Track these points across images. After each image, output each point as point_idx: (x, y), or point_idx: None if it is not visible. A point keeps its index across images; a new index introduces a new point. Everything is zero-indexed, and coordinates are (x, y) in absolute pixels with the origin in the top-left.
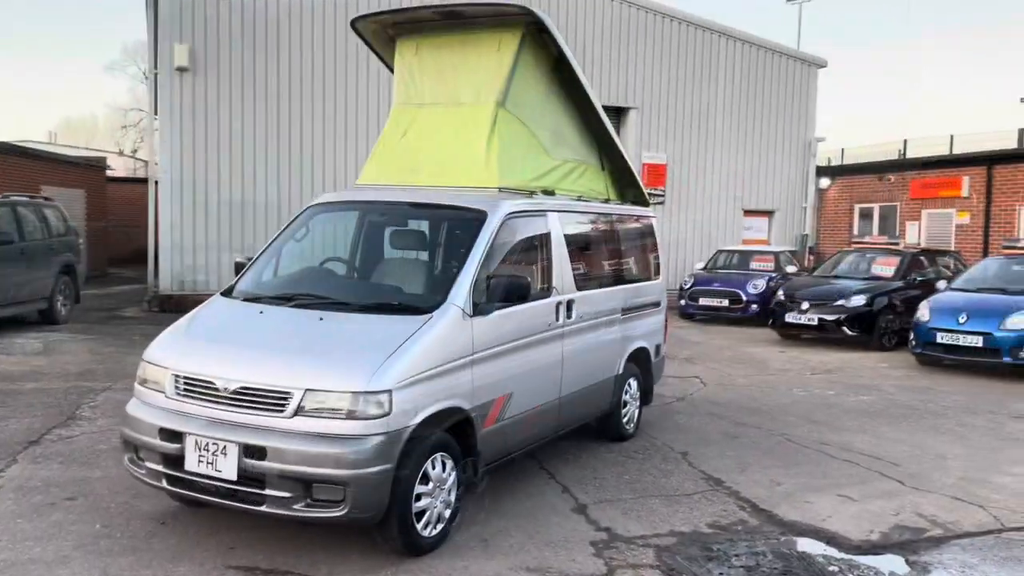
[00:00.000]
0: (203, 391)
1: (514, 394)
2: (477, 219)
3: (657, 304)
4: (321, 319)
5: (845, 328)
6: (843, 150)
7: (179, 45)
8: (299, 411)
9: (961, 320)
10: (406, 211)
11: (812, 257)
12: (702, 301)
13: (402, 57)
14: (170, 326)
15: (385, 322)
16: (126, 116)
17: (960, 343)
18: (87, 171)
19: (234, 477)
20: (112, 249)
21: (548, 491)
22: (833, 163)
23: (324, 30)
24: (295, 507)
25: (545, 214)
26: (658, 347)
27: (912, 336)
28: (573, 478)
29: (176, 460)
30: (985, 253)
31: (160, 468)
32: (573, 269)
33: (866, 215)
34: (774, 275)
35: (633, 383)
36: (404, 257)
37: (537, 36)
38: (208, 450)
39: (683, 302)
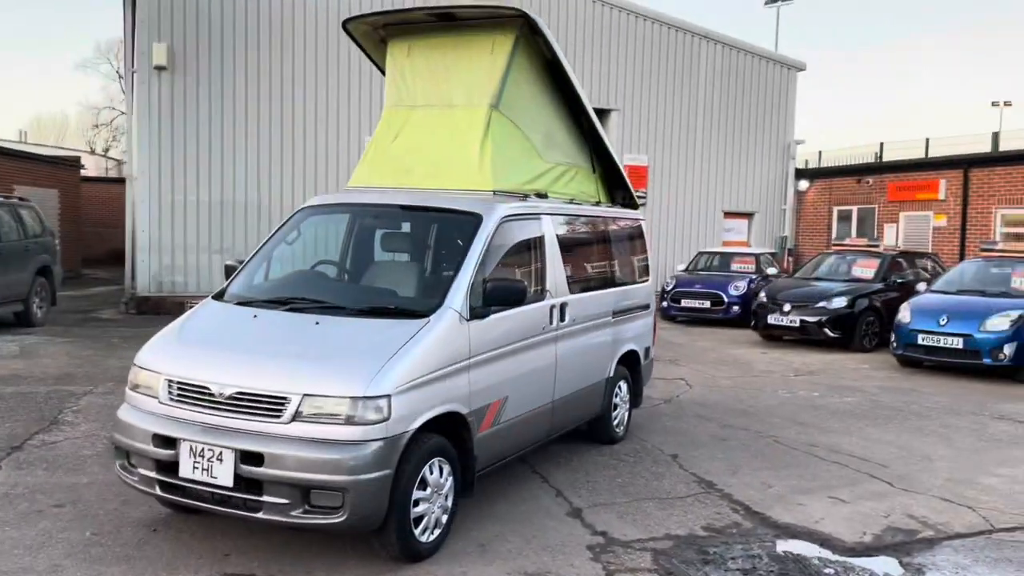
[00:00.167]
0: (197, 396)
1: (509, 398)
2: (473, 222)
3: (646, 306)
4: (317, 323)
5: (827, 330)
6: (820, 152)
7: (158, 44)
8: (297, 416)
9: (942, 322)
10: (400, 213)
11: (791, 259)
12: (684, 303)
13: (394, 59)
14: (162, 330)
15: (382, 326)
16: (98, 115)
17: (941, 344)
18: (61, 170)
19: (230, 483)
20: (86, 250)
21: (542, 495)
22: (811, 165)
23: (306, 29)
24: (293, 514)
25: (539, 217)
26: (647, 350)
27: (893, 338)
28: (566, 482)
29: (170, 466)
30: (962, 256)
31: (153, 475)
32: (566, 272)
33: (844, 217)
34: (755, 277)
35: (623, 386)
36: (399, 260)
37: (530, 38)
38: (203, 456)
39: (665, 304)
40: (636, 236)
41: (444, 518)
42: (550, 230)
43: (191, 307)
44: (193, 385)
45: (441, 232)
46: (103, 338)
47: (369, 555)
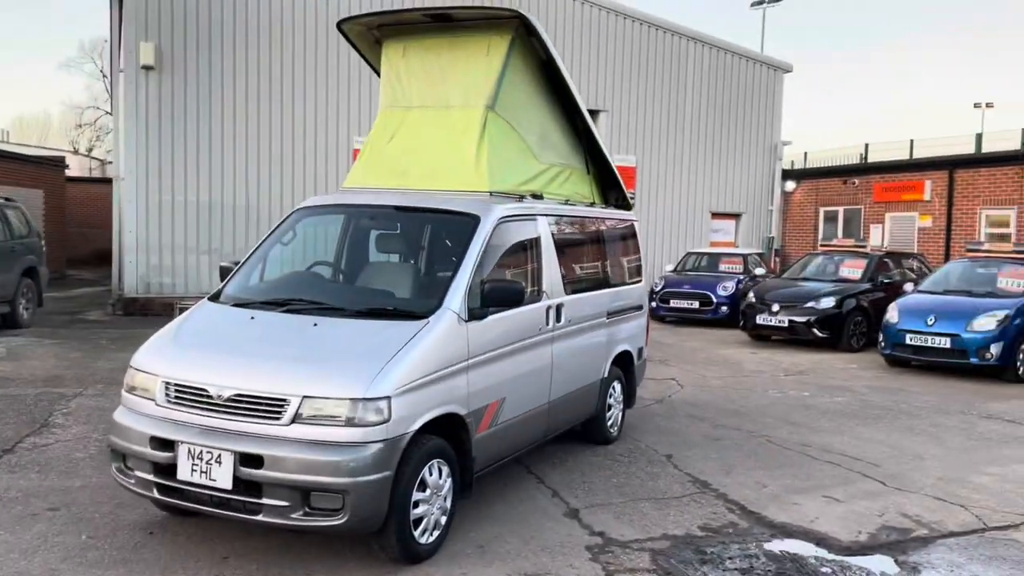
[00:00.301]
0: (196, 398)
1: (507, 399)
2: (470, 223)
3: (639, 307)
4: (315, 325)
5: (815, 330)
6: (806, 153)
7: (145, 43)
8: (296, 418)
9: (929, 322)
10: (397, 215)
11: (778, 259)
12: (673, 303)
13: (389, 60)
14: (158, 332)
15: (381, 327)
16: (82, 114)
17: (929, 344)
18: (45, 170)
19: (229, 486)
20: (70, 250)
21: (539, 496)
22: (797, 166)
23: (295, 29)
24: (293, 516)
25: (535, 218)
26: (640, 350)
27: (881, 337)
28: (562, 482)
29: (168, 469)
30: (947, 256)
31: (151, 477)
32: (561, 273)
33: (831, 218)
34: (743, 277)
35: (617, 386)
36: (397, 261)
37: (526, 39)
38: (202, 459)
39: (654, 304)
40: (629, 237)
41: (443, 519)
42: (546, 231)
43: (180, 308)
44: (191, 387)
45: (438, 233)
46: (91, 339)
47: (368, 557)
